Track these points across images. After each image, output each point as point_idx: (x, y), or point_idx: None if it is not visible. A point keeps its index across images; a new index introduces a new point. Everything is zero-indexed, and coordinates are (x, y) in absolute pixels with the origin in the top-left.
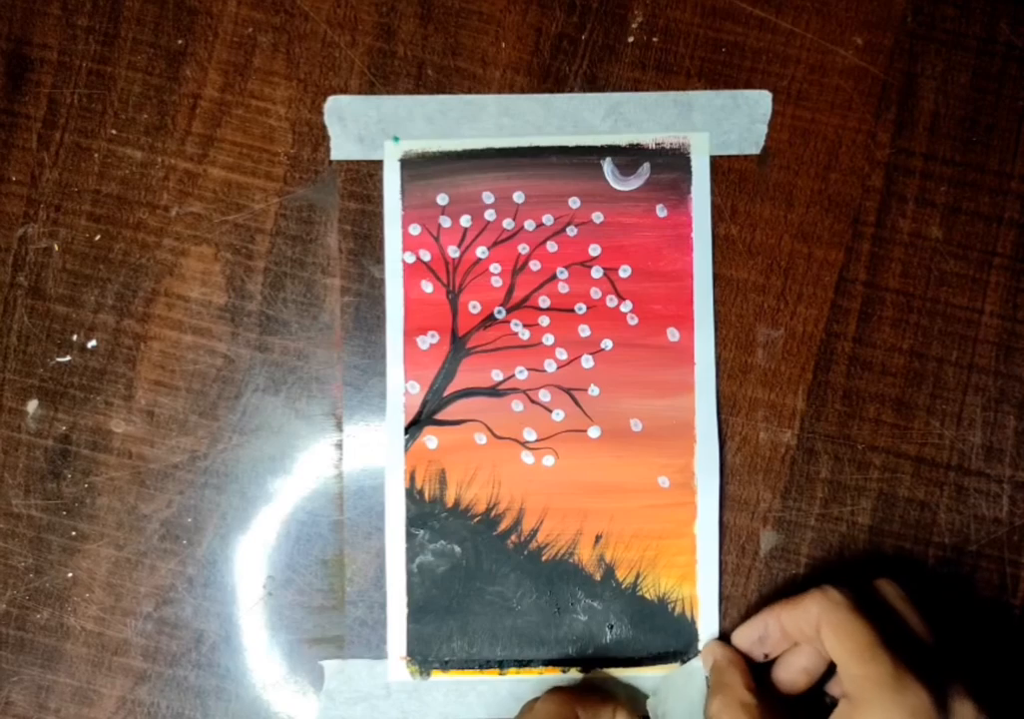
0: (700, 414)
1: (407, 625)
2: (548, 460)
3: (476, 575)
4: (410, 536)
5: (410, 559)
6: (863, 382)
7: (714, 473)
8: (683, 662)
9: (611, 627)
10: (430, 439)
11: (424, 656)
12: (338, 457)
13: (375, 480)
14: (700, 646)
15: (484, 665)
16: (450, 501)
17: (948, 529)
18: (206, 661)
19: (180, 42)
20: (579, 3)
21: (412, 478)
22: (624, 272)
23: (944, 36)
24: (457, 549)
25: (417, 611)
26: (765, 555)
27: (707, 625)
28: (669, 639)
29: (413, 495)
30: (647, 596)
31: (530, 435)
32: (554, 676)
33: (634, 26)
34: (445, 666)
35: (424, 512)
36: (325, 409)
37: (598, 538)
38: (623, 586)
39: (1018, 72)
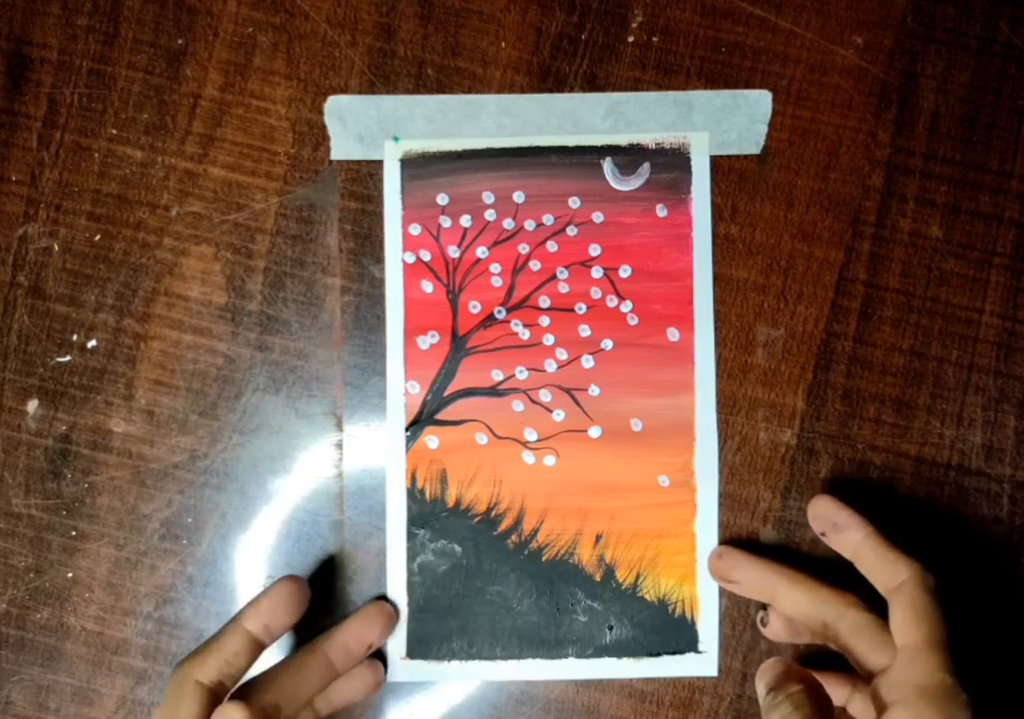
0: (700, 413)
1: (407, 625)
2: (549, 460)
3: (476, 575)
4: (411, 536)
5: (411, 559)
6: (863, 382)
7: (713, 471)
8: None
9: (611, 628)
10: (431, 439)
11: (424, 656)
12: (338, 457)
13: (375, 480)
14: (701, 647)
15: (484, 665)
16: (451, 501)
17: (948, 529)
18: None
19: (180, 42)
20: (579, 3)
21: (413, 478)
22: (624, 272)
23: (944, 36)
24: (458, 549)
25: (417, 611)
26: (765, 555)
27: (707, 626)
28: (669, 640)
29: (414, 494)
30: (647, 597)
31: (531, 435)
32: (554, 676)
33: (634, 26)
34: (445, 666)
35: (425, 512)
36: (325, 409)
37: (598, 538)
38: (623, 587)
39: (1018, 72)
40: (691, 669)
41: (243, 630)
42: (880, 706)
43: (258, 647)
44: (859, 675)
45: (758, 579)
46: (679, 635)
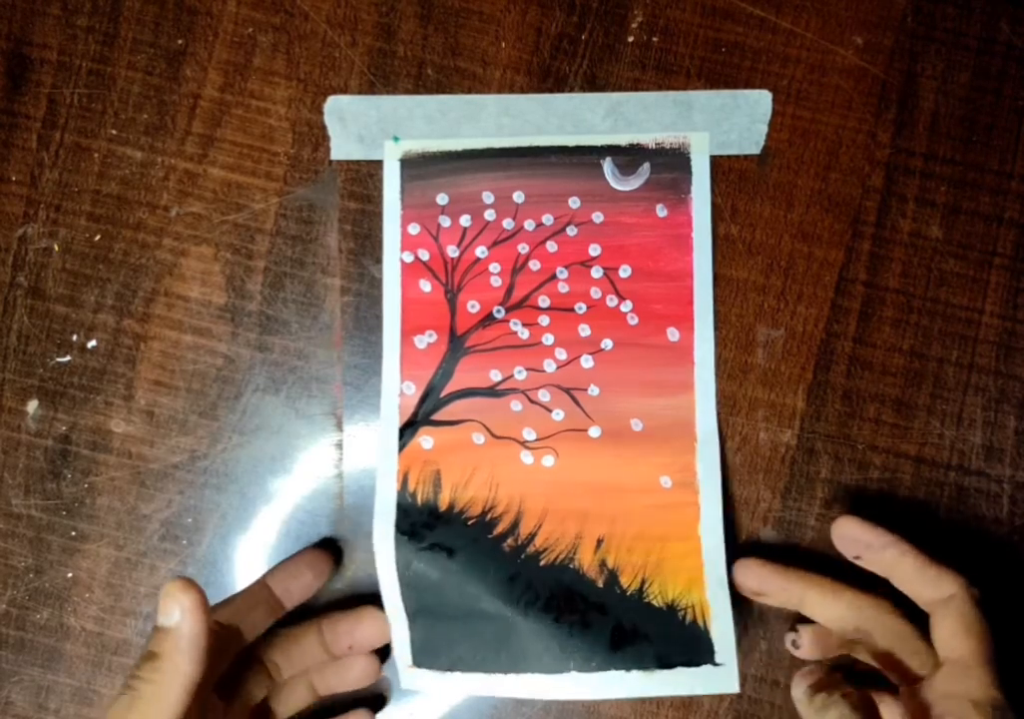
0: (700, 413)
1: (409, 632)
2: (548, 460)
3: (471, 580)
4: (400, 541)
5: (403, 565)
6: (863, 382)
7: (716, 473)
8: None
9: (617, 636)
10: (425, 439)
11: (430, 666)
12: (338, 457)
13: (375, 480)
14: (718, 658)
15: (485, 678)
16: (444, 504)
17: (948, 529)
18: None
19: (180, 42)
20: (579, 3)
21: (405, 480)
22: (624, 272)
23: (944, 36)
24: (451, 553)
25: (414, 616)
26: (765, 555)
27: (721, 634)
28: (681, 649)
29: (405, 497)
30: (654, 603)
31: (529, 435)
32: (558, 695)
33: (634, 26)
34: (450, 677)
35: (416, 515)
36: (325, 409)
37: (599, 542)
38: (627, 592)
39: (1018, 72)
40: (709, 685)
41: (266, 588)
42: (923, 715)
43: (277, 607)
44: (886, 691)
45: (785, 588)
46: (692, 644)
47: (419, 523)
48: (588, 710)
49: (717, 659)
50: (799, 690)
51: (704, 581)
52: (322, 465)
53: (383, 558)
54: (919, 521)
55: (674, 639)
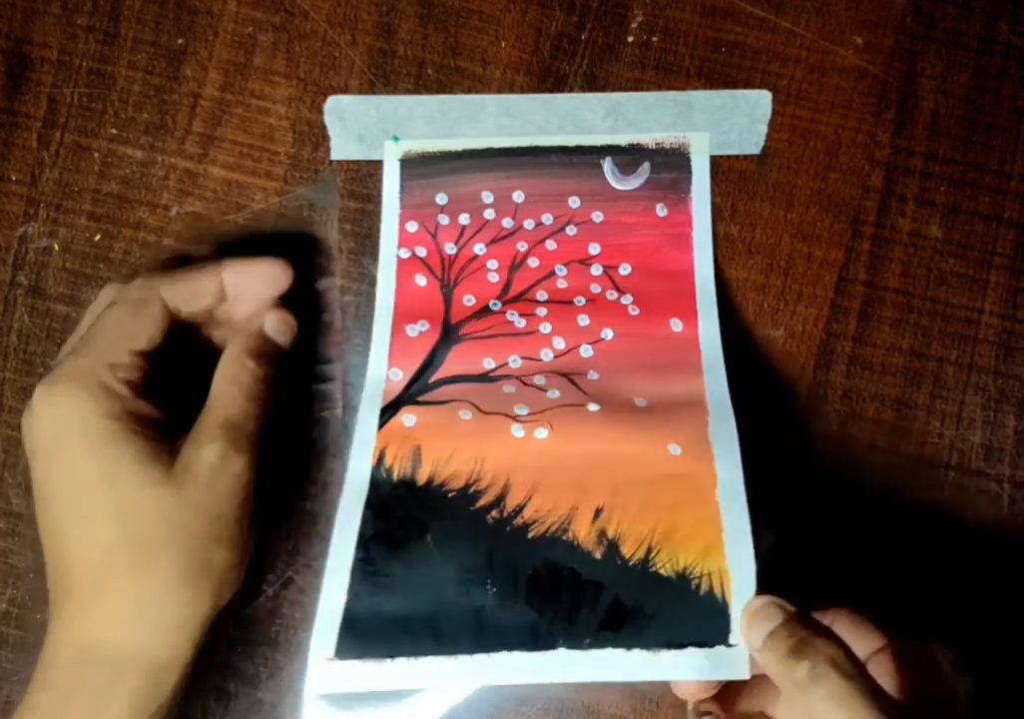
0: (711, 392)
1: (343, 614)
2: (540, 433)
3: (444, 554)
4: (367, 514)
5: (363, 540)
6: (863, 382)
7: (733, 440)
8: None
9: (615, 611)
10: (408, 418)
11: (360, 655)
12: (339, 457)
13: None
14: (732, 637)
15: (443, 662)
16: (423, 478)
17: (948, 529)
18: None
19: (180, 41)
20: (579, 3)
21: (381, 457)
22: (624, 270)
23: (944, 36)
24: (424, 526)
25: (359, 597)
26: (765, 555)
27: (742, 605)
28: (693, 624)
29: (380, 473)
30: (662, 572)
31: (522, 410)
32: (537, 678)
33: (634, 26)
34: (388, 667)
35: (388, 489)
36: (325, 409)
37: (598, 512)
38: (630, 562)
39: (1018, 72)
40: (719, 670)
41: (219, 277)
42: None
43: (221, 299)
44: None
45: None
46: (705, 620)
47: (390, 496)
48: (588, 710)
49: (732, 639)
50: (769, 653)
51: (724, 547)
52: (322, 465)
53: (342, 533)
54: (919, 521)
55: (684, 614)
